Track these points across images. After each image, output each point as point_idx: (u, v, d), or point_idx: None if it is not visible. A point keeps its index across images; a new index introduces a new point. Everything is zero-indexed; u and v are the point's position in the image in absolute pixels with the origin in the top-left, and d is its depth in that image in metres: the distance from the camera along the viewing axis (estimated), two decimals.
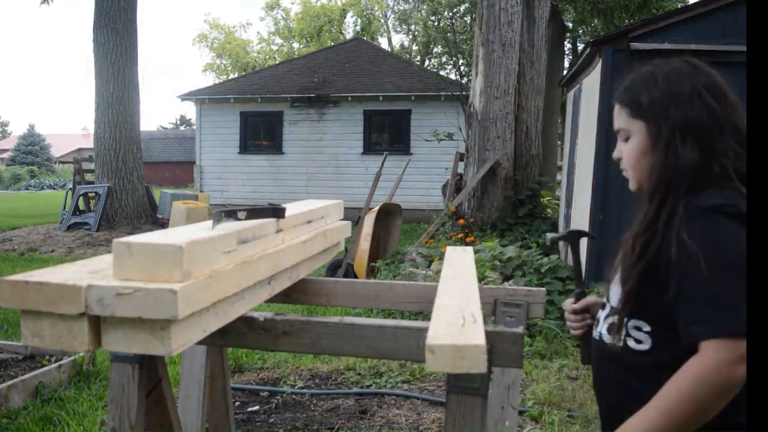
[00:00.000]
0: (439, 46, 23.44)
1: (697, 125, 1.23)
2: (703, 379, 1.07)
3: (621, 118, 1.34)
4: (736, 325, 1.05)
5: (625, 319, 1.27)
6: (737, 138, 1.22)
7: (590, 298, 1.55)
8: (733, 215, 1.13)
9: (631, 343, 1.27)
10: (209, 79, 43.71)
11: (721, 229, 1.13)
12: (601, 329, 1.34)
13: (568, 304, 1.56)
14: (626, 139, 1.33)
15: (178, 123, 54.36)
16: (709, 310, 1.08)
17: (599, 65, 6.10)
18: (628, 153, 1.33)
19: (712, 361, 1.07)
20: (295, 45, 39.57)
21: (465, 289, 1.70)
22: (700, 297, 1.10)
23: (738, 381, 1.07)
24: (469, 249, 2.35)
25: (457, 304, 1.51)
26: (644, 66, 1.35)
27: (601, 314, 1.37)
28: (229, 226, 1.44)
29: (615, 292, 1.32)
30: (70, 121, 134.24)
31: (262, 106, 15.89)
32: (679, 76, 1.28)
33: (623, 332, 1.28)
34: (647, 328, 1.25)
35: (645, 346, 1.25)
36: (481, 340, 1.23)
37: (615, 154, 1.39)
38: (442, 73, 19.88)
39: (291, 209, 1.88)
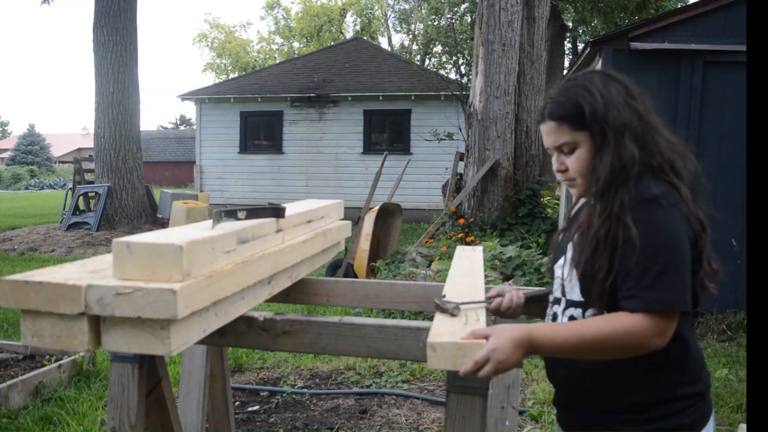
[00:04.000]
0: (439, 46, 23.44)
1: (632, 126, 1.38)
2: (624, 336, 1.24)
3: (562, 133, 1.43)
4: (663, 302, 1.23)
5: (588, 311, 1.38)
6: (657, 132, 1.39)
7: (496, 288, 1.74)
8: (667, 205, 1.28)
9: None
10: (209, 79, 43.82)
11: (658, 217, 1.27)
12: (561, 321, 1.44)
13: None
14: (571, 151, 1.43)
15: (178, 123, 54.35)
16: (641, 287, 1.24)
17: (599, 65, 6.10)
18: (578, 163, 1.43)
19: (637, 327, 1.23)
20: (295, 44, 39.58)
21: (471, 288, 1.70)
22: (635, 276, 1.25)
23: (652, 349, 1.25)
24: (479, 249, 2.35)
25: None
26: (565, 82, 1.47)
27: (558, 308, 1.47)
28: (229, 226, 1.44)
29: (572, 287, 1.42)
30: (70, 121, 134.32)
31: (262, 105, 15.89)
32: (606, 85, 1.41)
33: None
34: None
35: None
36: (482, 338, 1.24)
37: (556, 167, 1.48)
38: (442, 72, 19.86)
39: (291, 209, 1.88)
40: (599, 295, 1.32)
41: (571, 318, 1.42)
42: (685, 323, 1.34)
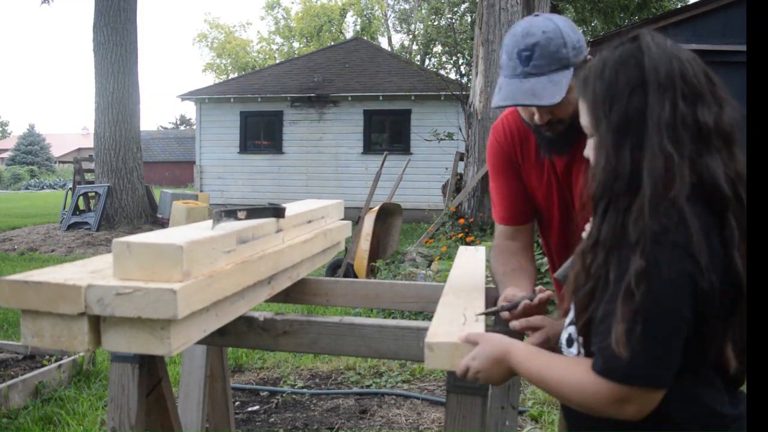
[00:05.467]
0: (439, 46, 23.46)
1: (639, 123, 1.07)
2: (577, 393, 1.08)
3: (584, 114, 1.19)
4: (624, 374, 1.01)
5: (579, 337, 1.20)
6: (698, 136, 1.07)
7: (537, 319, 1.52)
8: (666, 245, 1.00)
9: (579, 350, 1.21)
10: (209, 79, 43.77)
11: (647, 262, 1.00)
12: (562, 339, 1.27)
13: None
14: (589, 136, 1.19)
15: (178, 123, 54.35)
16: (601, 346, 1.04)
17: None
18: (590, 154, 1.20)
19: (590, 388, 1.06)
20: (295, 44, 39.58)
21: (472, 288, 1.70)
22: (601, 330, 1.04)
23: (615, 417, 1.06)
24: (481, 249, 2.35)
25: (461, 303, 1.52)
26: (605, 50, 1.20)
27: (567, 319, 1.26)
28: (229, 226, 1.44)
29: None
30: (70, 121, 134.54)
31: (262, 105, 15.90)
32: (624, 62, 1.12)
33: (575, 346, 1.22)
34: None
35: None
36: None
37: (585, 152, 1.21)
38: (442, 72, 19.86)
39: (291, 209, 1.88)
40: (577, 315, 1.14)
41: (569, 338, 1.23)
42: (704, 377, 1.10)
